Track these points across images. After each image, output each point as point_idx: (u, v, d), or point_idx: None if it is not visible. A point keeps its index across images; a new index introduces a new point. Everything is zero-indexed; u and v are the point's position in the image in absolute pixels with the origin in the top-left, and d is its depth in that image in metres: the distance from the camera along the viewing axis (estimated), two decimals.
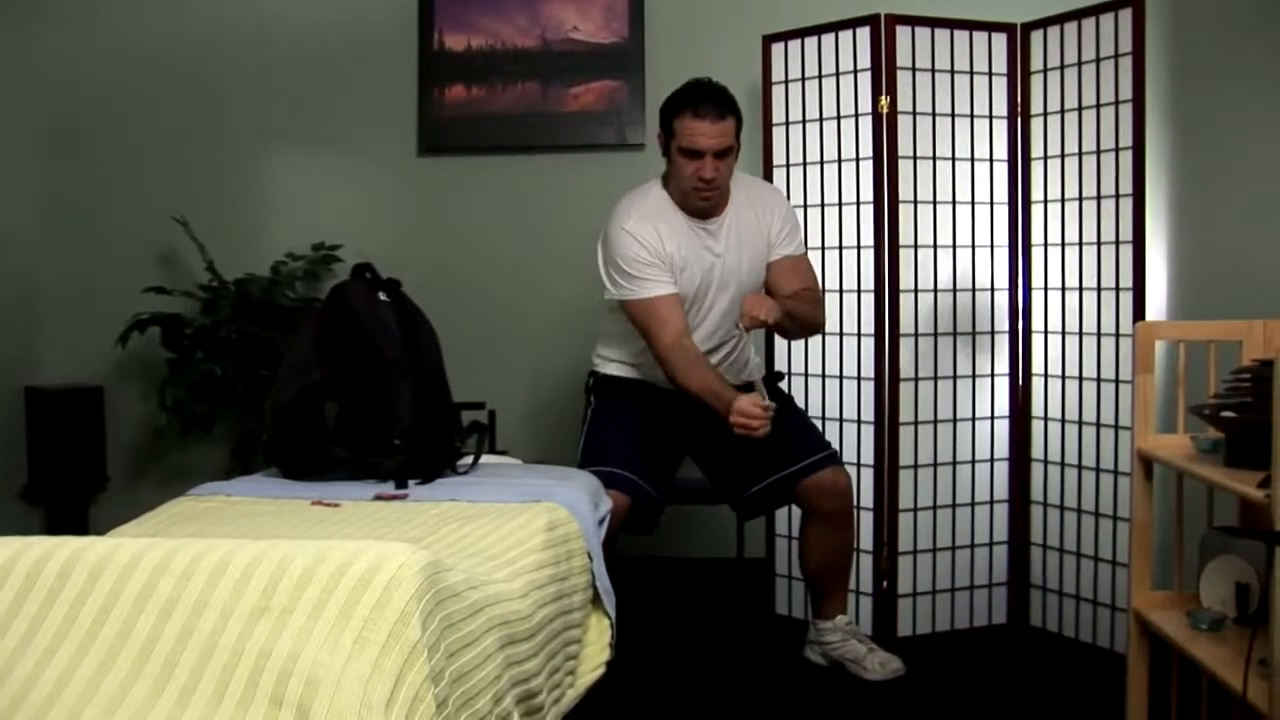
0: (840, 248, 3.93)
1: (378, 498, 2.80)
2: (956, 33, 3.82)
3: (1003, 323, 3.92)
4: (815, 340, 3.97)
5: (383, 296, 3.24)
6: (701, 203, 3.42)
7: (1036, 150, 3.87)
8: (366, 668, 1.55)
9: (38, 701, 1.54)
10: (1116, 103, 3.61)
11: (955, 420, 3.87)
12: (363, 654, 1.56)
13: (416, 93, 4.65)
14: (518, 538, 2.39)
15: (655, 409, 3.55)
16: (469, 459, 3.23)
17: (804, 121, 4.01)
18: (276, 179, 4.79)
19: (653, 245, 3.38)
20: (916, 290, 3.82)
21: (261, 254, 4.57)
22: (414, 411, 3.05)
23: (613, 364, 3.66)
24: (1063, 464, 3.79)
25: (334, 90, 4.73)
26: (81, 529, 4.64)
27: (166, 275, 4.69)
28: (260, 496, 2.83)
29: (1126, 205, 3.59)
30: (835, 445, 3.88)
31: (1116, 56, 3.60)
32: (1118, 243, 3.62)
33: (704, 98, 3.35)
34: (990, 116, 3.87)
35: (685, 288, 3.42)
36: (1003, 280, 3.91)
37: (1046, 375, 3.86)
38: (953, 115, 3.83)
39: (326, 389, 3.04)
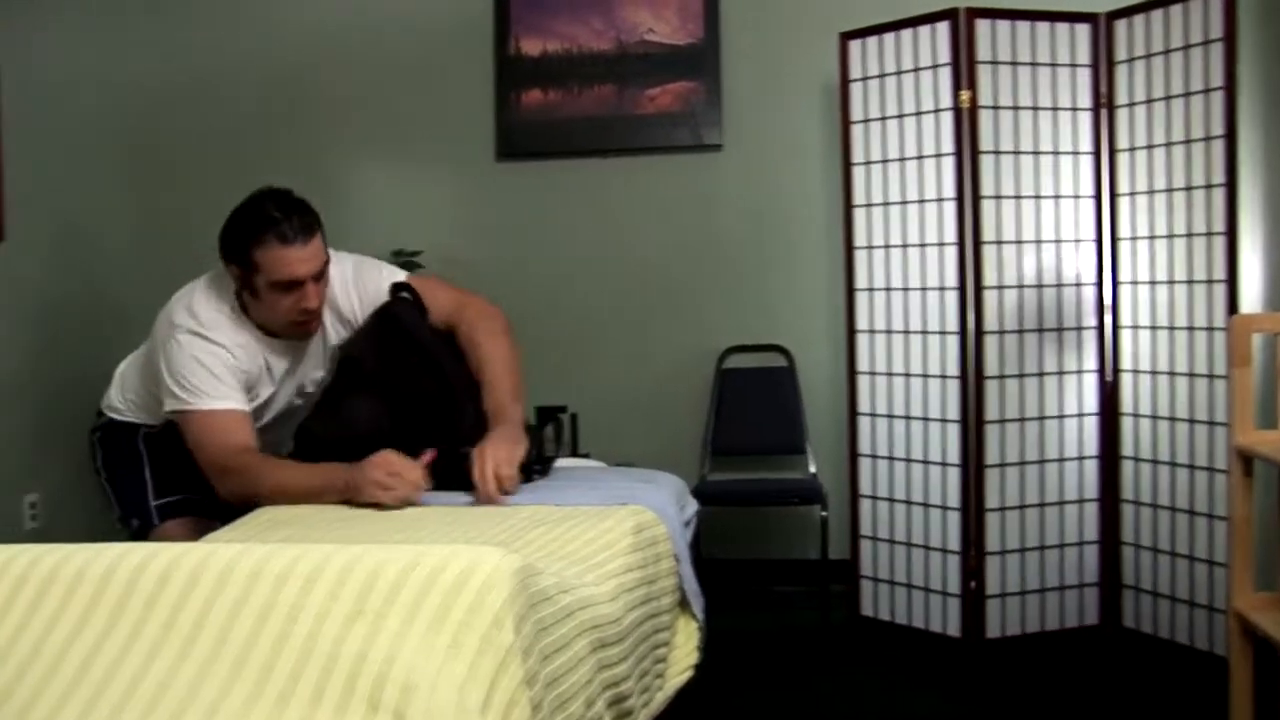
0: (922, 245, 3.88)
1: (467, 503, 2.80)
2: (1038, 24, 3.76)
3: (1090, 318, 3.85)
4: (898, 339, 3.93)
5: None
6: (307, 333, 2.98)
7: (1123, 142, 3.79)
8: (462, 672, 1.55)
9: (140, 706, 1.56)
10: (1207, 91, 3.53)
11: (1042, 418, 3.80)
12: (458, 658, 1.56)
13: (493, 98, 4.68)
14: (606, 540, 2.38)
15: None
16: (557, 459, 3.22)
17: (883, 118, 3.97)
18: (357, 186, 4.83)
19: (228, 361, 2.89)
20: (1000, 287, 3.77)
21: None
22: (478, 421, 2.93)
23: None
24: (1155, 461, 3.72)
25: (412, 97, 4.76)
26: None
27: None
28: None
29: (1219, 196, 3.51)
30: (920, 444, 3.85)
31: (1206, 43, 3.52)
32: (1209, 234, 3.54)
33: (284, 216, 2.82)
34: (1074, 109, 3.80)
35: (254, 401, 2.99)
36: (1089, 275, 3.84)
37: (1136, 371, 3.79)
38: (1035, 108, 3.77)
39: (396, 411, 2.92)
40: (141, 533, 3.11)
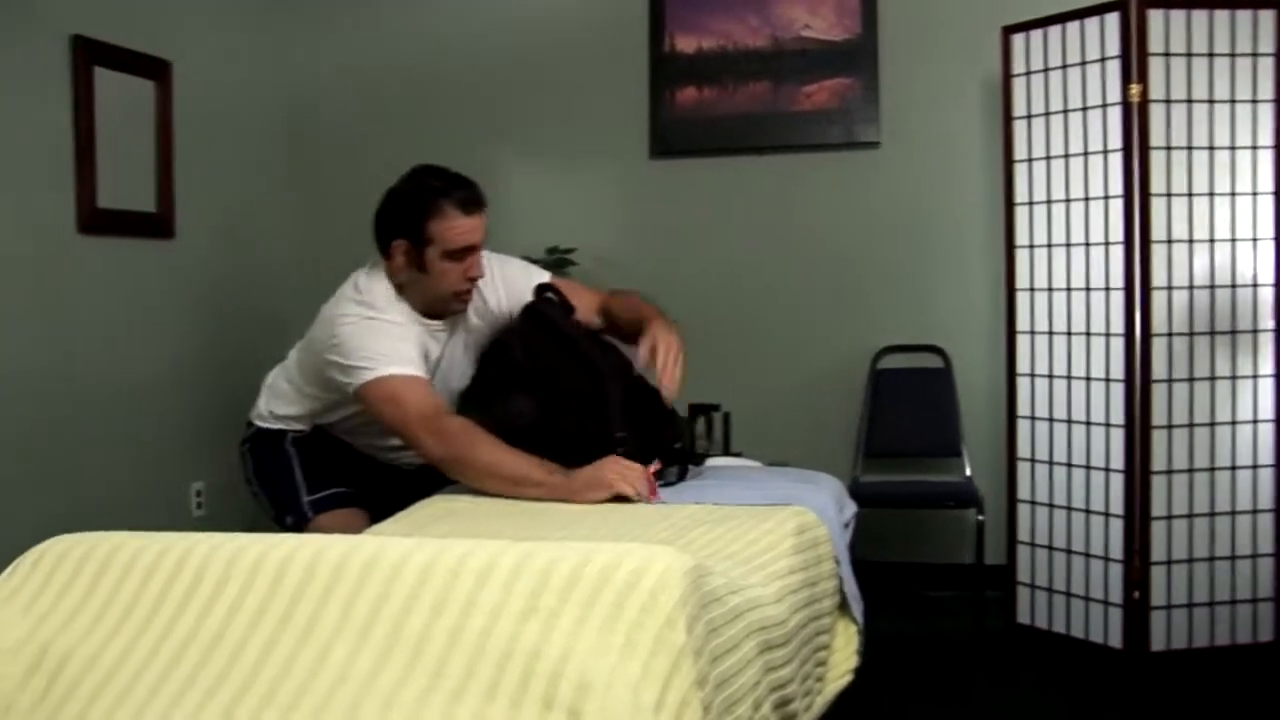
0: (1086, 244, 3.77)
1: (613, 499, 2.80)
2: (1216, 14, 3.62)
3: (1266, 320, 3.69)
4: (1059, 340, 3.83)
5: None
6: (464, 306, 3.03)
7: None
8: (636, 671, 1.54)
9: (319, 694, 1.58)
10: None
11: (1214, 424, 3.66)
12: (632, 657, 1.55)
13: (648, 95, 4.68)
14: (768, 541, 2.36)
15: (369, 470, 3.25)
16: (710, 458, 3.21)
17: (1047, 114, 3.87)
18: (511, 184, 4.88)
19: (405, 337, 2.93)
20: (1170, 287, 3.64)
21: None
22: (626, 413, 2.88)
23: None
24: None
25: (566, 94, 4.79)
26: None
27: None
28: (506, 498, 2.86)
29: None
30: (1082, 449, 3.75)
31: None
32: None
33: (456, 187, 2.94)
34: (1254, 101, 3.65)
35: None
36: (1267, 275, 3.69)
37: None
38: (1211, 101, 3.63)
39: (547, 405, 2.90)
40: (297, 528, 3.14)
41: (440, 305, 3.01)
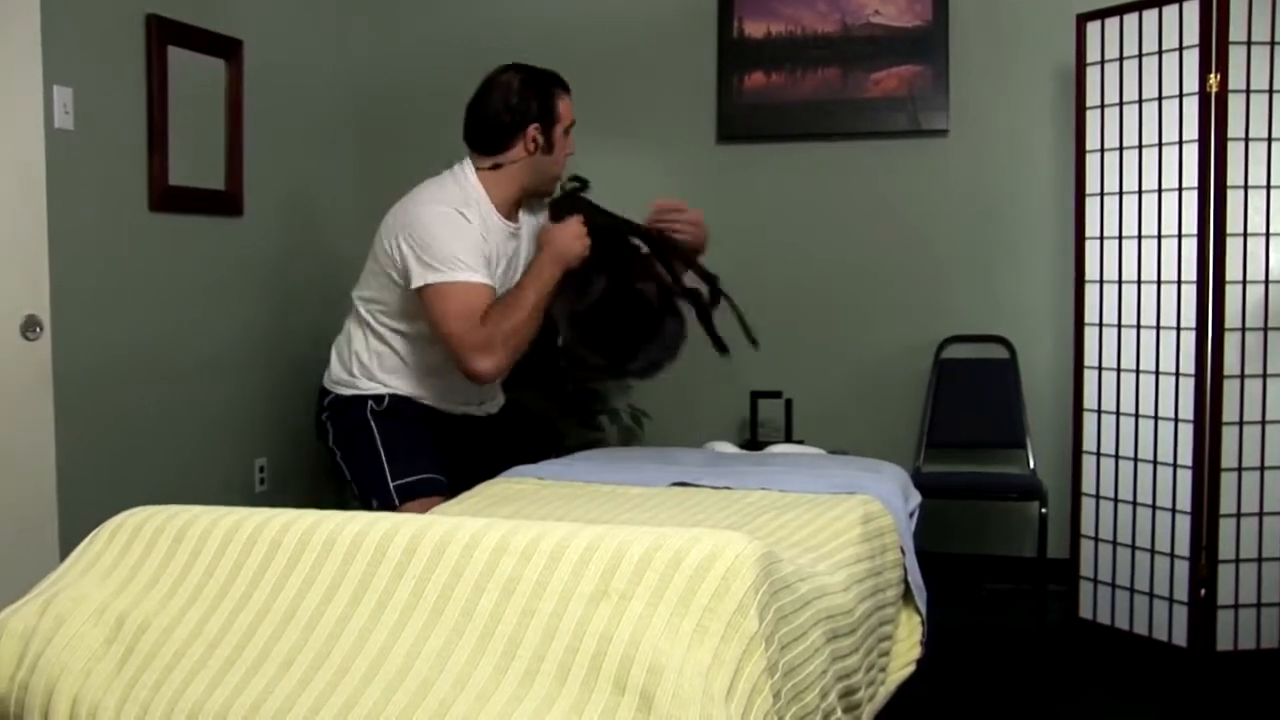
0: (1159, 236, 3.71)
1: (676, 484, 2.81)
2: None
3: None
4: (1129, 333, 3.78)
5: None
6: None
7: None
8: (707, 657, 1.54)
9: (391, 671, 1.59)
10: None
11: None
12: (703, 643, 1.55)
13: (715, 80, 4.66)
14: (835, 529, 2.35)
15: (446, 435, 3.38)
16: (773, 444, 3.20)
17: (1121, 104, 3.81)
18: (578, 168, 4.87)
19: (477, 241, 3.14)
20: (1245, 281, 3.58)
21: None
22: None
23: (396, 384, 3.33)
24: None
25: (635, 79, 4.78)
26: None
27: None
28: (570, 480, 2.87)
29: None
30: (1150, 444, 3.71)
31: None
32: None
33: (551, 72, 3.36)
34: None
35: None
36: None
37: None
38: None
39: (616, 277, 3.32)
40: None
41: (550, 185, 3.36)
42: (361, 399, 3.31)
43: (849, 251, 4.58)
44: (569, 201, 3.36)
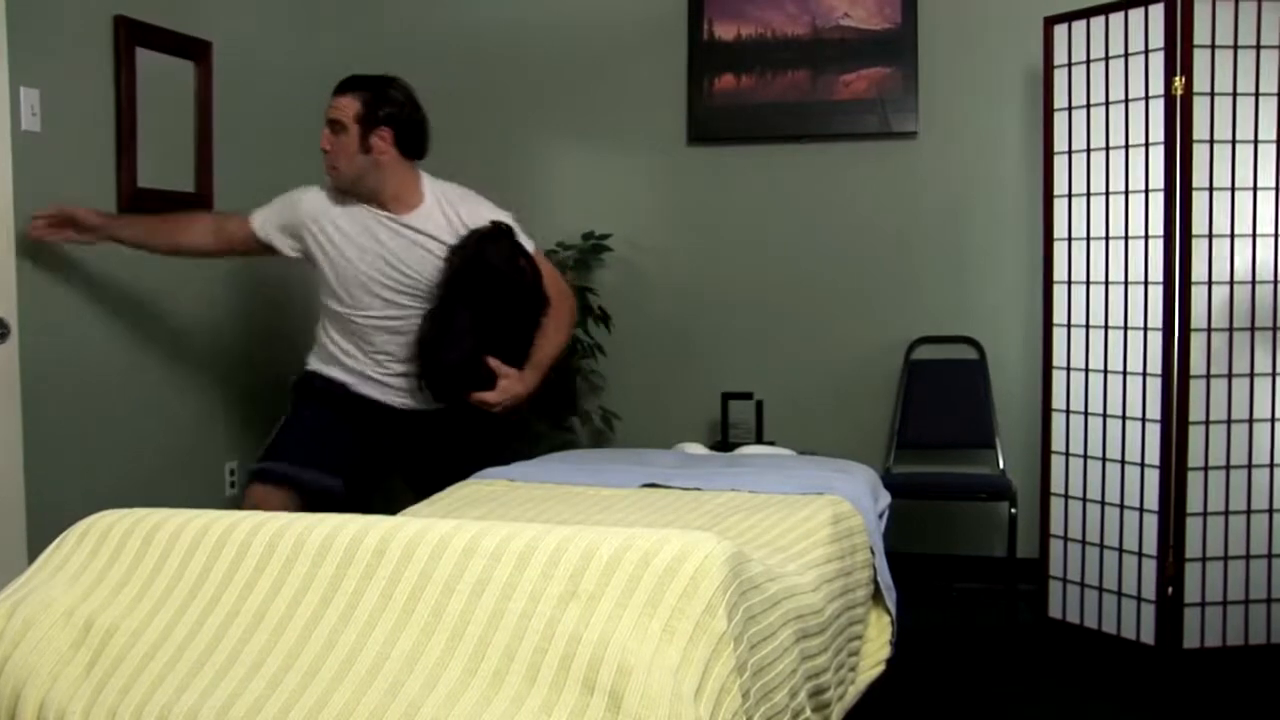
0: (1126, 238, 3.74)
1: (646, 485, 2.82)
2: (1266, 4, 3.58)
3: None
4: (1096, 334, 3.81)
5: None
6: (332, 174, 3.51)
7: None
8: (675, 657, 1.55)
9: (361, 672, 1.59)
10: None
11: (1251, 420, 3.63)
12: (671, 643, 1.56)
13: (686, 82, 4.67)
14: (804, 530, 2.36)
15: (363, 423, 3.57)
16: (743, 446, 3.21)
17: (1088, 106, 3.84)
18: (548, 169, 4.88)
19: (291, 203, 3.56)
20: (1210, 282, 3.61)
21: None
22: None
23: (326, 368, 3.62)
24: None
25: (605, 81, 4.78)
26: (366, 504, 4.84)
27: None
28: (541, 481, 2.88)
29: None
30: (1117, 444, 3.74)
31: None
32: None
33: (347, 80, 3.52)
34: None
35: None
36: None
37: None
38: (1256, 94, 3.59)
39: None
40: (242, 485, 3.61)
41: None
42: (303, 376, 3.61)
43: (820, 253, 4.60)
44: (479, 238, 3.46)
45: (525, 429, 4.54)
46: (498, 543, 1.71)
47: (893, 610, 2.72)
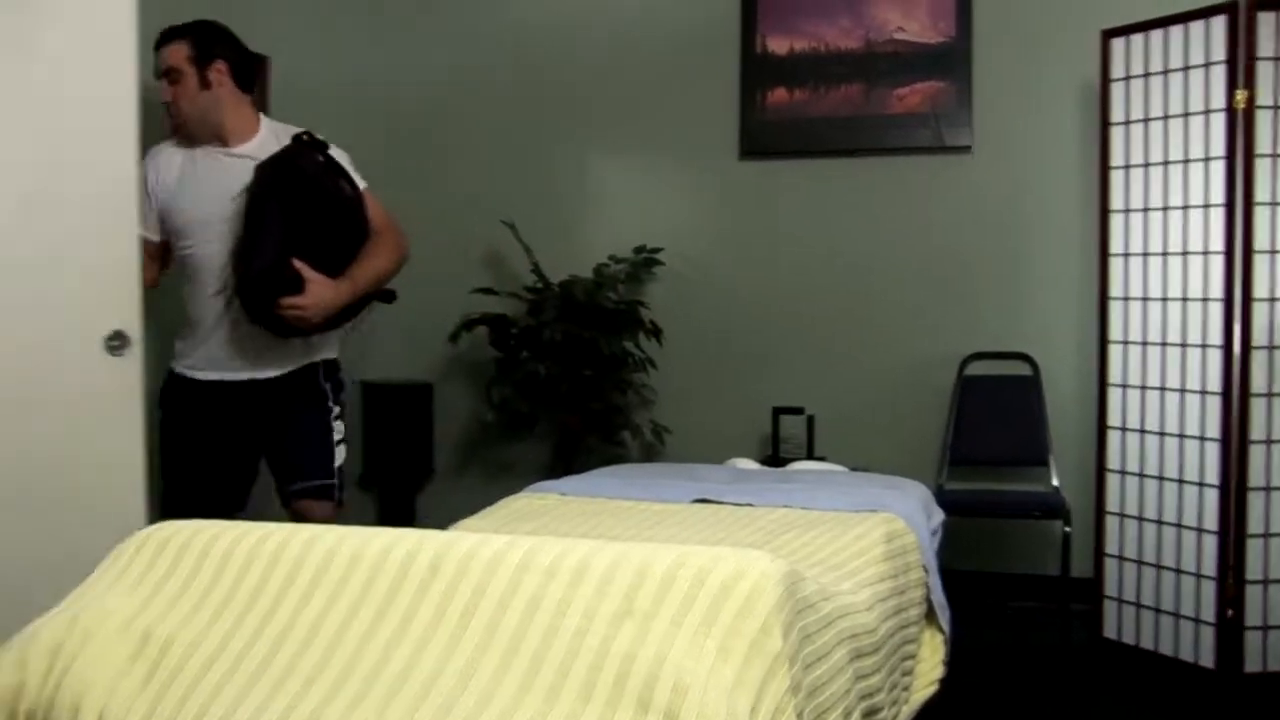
0: (1184, 253, 3.69)
1: (698, 500, 2.81)
2: None
3: None
4: (1154, 351, 3.76)
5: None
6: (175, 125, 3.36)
7: None
8: (730, 677, 1.53)
9: (415, 688, 1.59)
10: None
11: None
12: (727, 662, 1.55)
13: (738, 96, 4.66)
14: (858, 548, 2.34)
15: (214, 413, 3.37)
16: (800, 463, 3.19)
17: (1146, 120, 3.80)
18: (599, 182, 4.89)
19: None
20: (1273, 299, 3.55)
21: (584, 256, 4.67)
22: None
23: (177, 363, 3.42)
24: None
25: (657, 94, 4.79)
26: (409, 517, 4.87)
27: (494, 277, 4.85)
28: (593, 496, 2.87)
29: None
30: (1175, 462, 3.68)
31: None
32: None
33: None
34: None
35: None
36: None
37: None
38: None
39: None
40: None
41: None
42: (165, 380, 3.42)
43: (871, 268, 4.58)
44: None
45: (577, 441, 4.56)
46: (552, 559, 1.70)
47: (946, 629, 2.69)
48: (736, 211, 4.72)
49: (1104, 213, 3.91)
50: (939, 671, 2.64)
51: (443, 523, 4.40)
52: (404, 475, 4.85)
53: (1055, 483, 4.28)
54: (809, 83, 4.58)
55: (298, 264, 3.13)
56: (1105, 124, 3.91)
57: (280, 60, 4.41)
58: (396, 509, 4.90)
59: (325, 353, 3.42)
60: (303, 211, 3.17)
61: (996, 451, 4.40)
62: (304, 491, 3.34)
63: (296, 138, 3.30)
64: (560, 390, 4.49)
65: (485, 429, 4.92)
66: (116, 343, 2.84)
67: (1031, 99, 4.42)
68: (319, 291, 3.16)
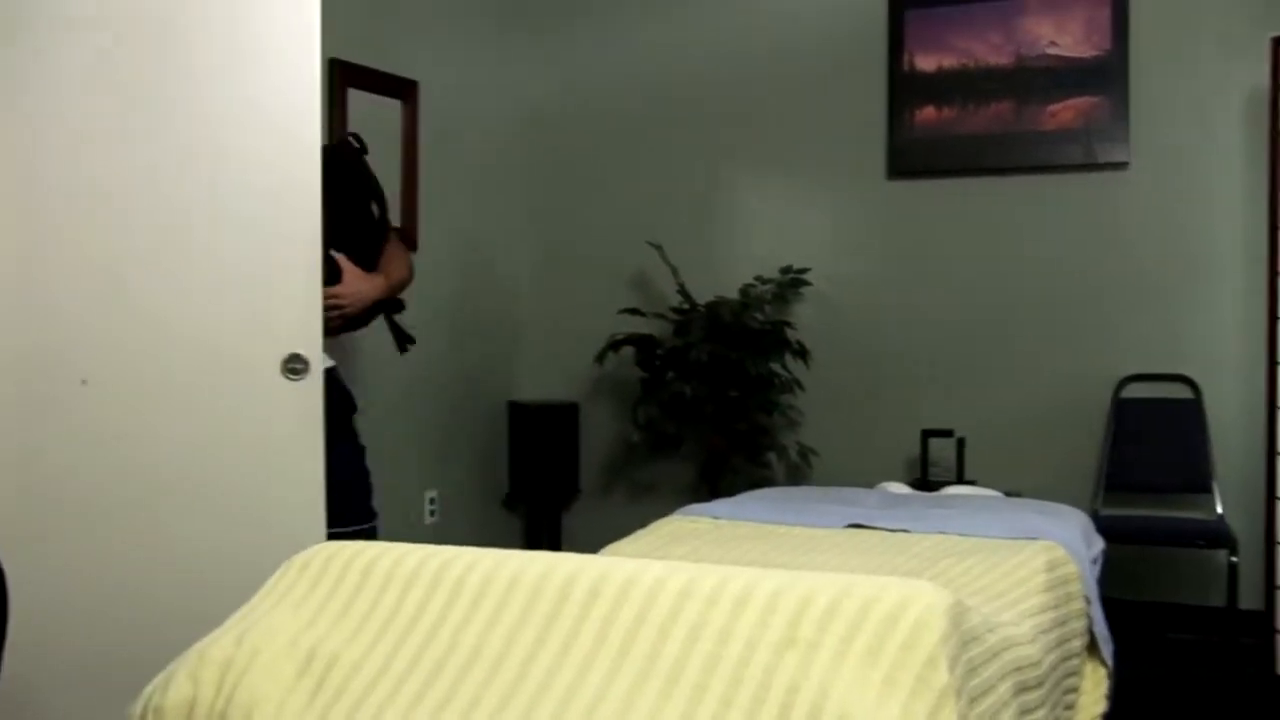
0: None
1: (851, 525, 2.76)
2: None
3: None
4: None
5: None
6: None
7: None
8: (896, 710, 1.50)
9: (577, 714, 1.58)
10: None
11: None
12: (892, 695, 1.51)
13: (886, 115, 4.60)
14: (1018, 577, 2.28)
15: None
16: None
17: None
18: (746, 203, 4.87)
19: None
20: None
21: (731, 277, 4.66)
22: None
23: None
24: None
25: (803, 114, 4.76)
26: (555, 537, 4.90)
27: (640, 298, 4.87)
28: (744, 520, 2.85)
29: None
30: None
31: None
32: None
33: None
34: None
35: None
36: None
37: None
38: None
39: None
40: None
41: None
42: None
43: (1023, 287, 4.48)
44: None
45: (722, 463, 4.54)
46: (713, 586, 1.69)
47: (1109, 662, 2.61)
48: (884, 231, 4.66)
49: (1274, 227, 3.77)
50: (1102, 706, 2.56)
51: (589, 542, 4.46)
52: (550, 494, 4.88)
53: (1219, 510, 4.13)
54: (958, 100, 4.50)
55: (337, 256, 3.06)
56: (1275, 134, 3.77)
57: (428, 86, 4.50)
58: (542, 528, 4.93)
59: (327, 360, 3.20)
60: (341, 202, 3.11)
61: (1155, 477, 4.26)
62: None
63: (343, 136, 3.30)
64: (706, 411, 4.48)
65: (630, 449, 4.93)
66: (295, 366, 2.88)
67: (1194, 111, 4.28)
68: (355, 284, 3.10)
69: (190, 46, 2.79)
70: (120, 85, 2.76)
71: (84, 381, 2.78)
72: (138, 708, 1.82)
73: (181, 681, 1.79)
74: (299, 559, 1.98)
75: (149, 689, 1.83)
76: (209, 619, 2.02)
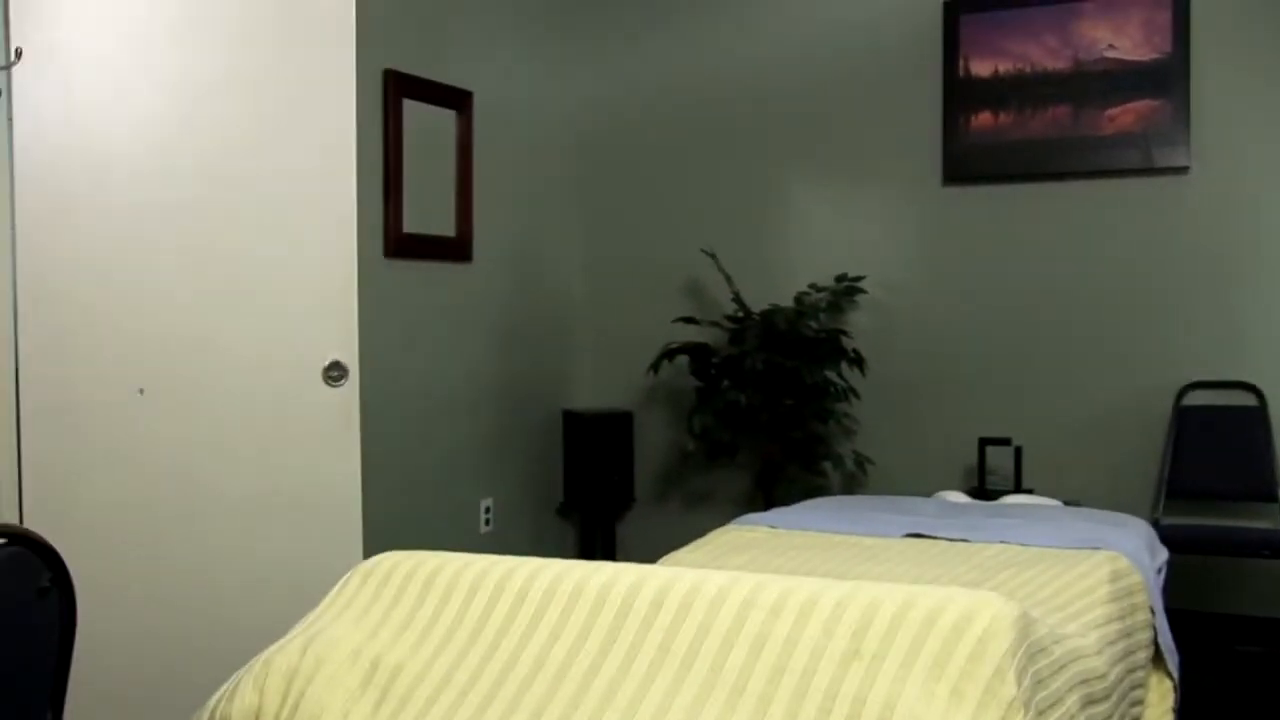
0: None
1: (910, 535, 2.74)
2: None
3: None
4: None
5: None
6: None
7: None
8: None
9: None
10: None
11: None
12: (959, 708, 1.50)
13: (941, 121, 4.57)
14: (1082, 587, 2.25)
15: None
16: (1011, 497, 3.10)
17: None
18: (800, 210, 4.85)
19: None
20: None
21: (785, 285, 4.65)
22: None
23: None
24: None
25: (857, 120, 4.73)
26: (610, 545, 4.90)
27: (695, 306, 4.87)
28: (802, 529, 2.84)
29: None
30: None
31: None
32: None
33: None
34: None
35: None
36: None
37: None
38: None
39: None
40: None
41: None
42: None
43: (1081, 294, 4.43)
44: None
45: (778, 471, 4.53)
46: (777, 596, 1.68)
47: (1175, 674, 2.57)
48: (940, 238, 4.63)
49: None
50: (1169, 719, 2.52)
51: (643, 551, 4.45)
52: (604, 503, 4.88)
53: None
54: (1014, 105, 4.46)
55: None
56: None
57: (482, 94, 4.52)
58: (596, 537, 4.94)
59: None
60: None
61: (1218, 485, 4.19)
62: None
63: None
64: (761, 419, 4.47)
65: (685, 457, 4.93)
66: (335, 373, 2.94)
67: (1257, 113, 4.22)
68: None
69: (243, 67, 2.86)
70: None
71: (141, 391, 2.86)
72: (204, 716, 1.84)
73: (248, 690, 1.80)
74: (362, 568, 1.99)
75: (215, 698, 1.85)
76: (264, 620, 2.05)
